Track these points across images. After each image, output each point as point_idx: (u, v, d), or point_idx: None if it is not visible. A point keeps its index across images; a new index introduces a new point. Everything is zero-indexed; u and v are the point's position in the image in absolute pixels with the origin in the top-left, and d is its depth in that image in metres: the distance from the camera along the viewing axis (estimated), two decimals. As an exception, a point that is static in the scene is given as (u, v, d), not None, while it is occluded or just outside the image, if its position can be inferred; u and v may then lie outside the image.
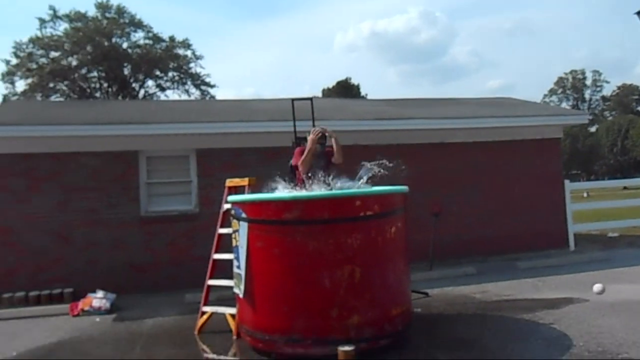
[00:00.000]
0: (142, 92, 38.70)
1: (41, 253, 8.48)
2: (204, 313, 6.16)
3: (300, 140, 6.62)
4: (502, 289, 7.55)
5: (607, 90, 73.46)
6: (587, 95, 73.52)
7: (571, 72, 73.44)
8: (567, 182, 10.93)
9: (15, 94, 34.52)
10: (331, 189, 5.13)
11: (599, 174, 62.45)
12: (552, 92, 73.60)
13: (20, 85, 34.74)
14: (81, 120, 9.25)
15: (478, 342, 5.12)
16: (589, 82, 73.00)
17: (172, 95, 38.96)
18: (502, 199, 10.41)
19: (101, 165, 8.88)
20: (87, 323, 7.01)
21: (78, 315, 7.50)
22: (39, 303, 8.00)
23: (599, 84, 73.06)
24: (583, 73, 72.68)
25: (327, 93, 48.74)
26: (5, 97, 34.33)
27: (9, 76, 34.53)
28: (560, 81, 73.67)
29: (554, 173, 10.84)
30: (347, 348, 4.51)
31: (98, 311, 7.51)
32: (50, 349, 5.80)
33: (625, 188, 34.30)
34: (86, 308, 7.57)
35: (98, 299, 7.68)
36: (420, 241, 8.55)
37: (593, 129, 65.03)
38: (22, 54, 34.25)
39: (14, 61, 34.29)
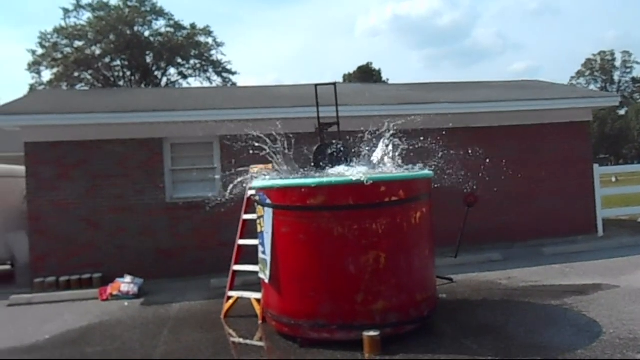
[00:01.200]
0: (164, 80, 39.05)
1: (71, 239, 8.67)
2: (229, 298, 6.24)
3: (324, 127, 6.58)
4: (529, 275, 7.46)
5: (638, 72, 71.17)
6: (616, 77, 71.28)
7: (600, 53, 71.29)
8: (596, 166, 10.67)
9: (41, 84, 35.22)
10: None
11: (628, 157, 60.87)
12: (579, 74, 71.62)
13: (46, 75, 35.47)
14: (107, 109, 9.38)
15: (504, 329, 5.08)
16: (618, 63, 70.78)
17: (194, 82, 39.28)
18: (529, 183, 10.23)
19: (127, 152, 9.01)
20: (116, 307, 7.17)
21: (107, 299, 7.68)
22: (69, 288, 8.22)
23: (628, 65, 70.72)
24: (612, 54, 70.43)
25: (348, 78, 48.43)
26: (32, 87, 35.08)
27: (35, 66, 35.20)
28: (588, 63, 71.59)
29: (582, 157, 10.59)
30: (372, 333, 4.54)
31: (126, 296, 7.67)
32: (81, 333, 5.95)
33: (655, 172, 33.33)
34: (115, 293, 7.74)
35: (126, 283, 7.84)
36: (445, 227, 8.46)
37: (622, 112, 63.25)
38: (47, 44, 34.83)
39: (40, 51, 34.94)
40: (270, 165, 6.30)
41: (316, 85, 6.96)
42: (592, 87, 67.13)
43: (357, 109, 9.15)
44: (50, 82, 34.79)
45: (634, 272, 7.20)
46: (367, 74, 47.98)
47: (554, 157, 10.39)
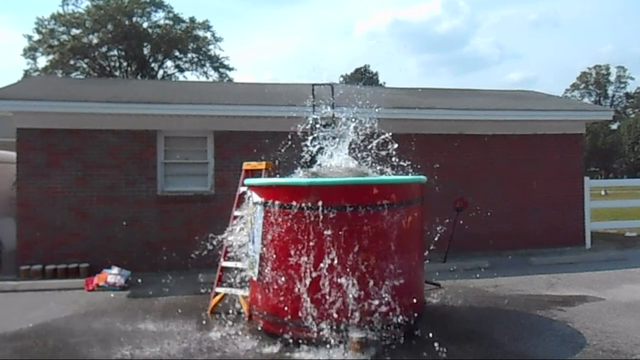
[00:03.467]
0: (160, 72, 38.90)
1: (59, 227, 8.61)
2: (216, 294, 6.22)
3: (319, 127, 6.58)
4: (516, 284, 7.50)
5: (632, 87, 71.76)
6: (610, 92, 71.91)
7: (595, 67, 71.89)
8: (586, 179, 10.76)
9: (36, 70, 34.95)
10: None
11: (618, 172, 61.39)
12: (574, 87, 72.14)
13: (42, 61, 35.21)
14: (101, 98, 9.31)
15: (489, 336, 5.11)
16: (612, 77, 71.41)
17: (191, 76, 39.18)
18: (520, 193, 10.29)
19: (120, 143, 8.95)
20: (102, 298, 7.13)
21: (93, 290, 7.63)
22: (55, 276, 8.15)
23: (623, 80, 71.34)
24: (607, 68, 71.01)
25: (345, 80, 48.47)
26: (26, 72, 34.78)
27: (31, 52, 34.95)
28: (583, 76, 72.16)
29: (574, 169, 10.67)
30: (357, 335, 4.55)
31: (113, 287, 7.63)
32: (65, 322, 5.91)
33: (644, 187, 33.64)
34: (101, 283, 7.69)
35: (113, 275, 7.79)
36: (434, 232, 8.49)
37: (614, 126, 63.78)
38: (44, 30, 34.58)
39: (36, 37, 34.68)
40: (263, 164, 6.30)
41: (313, 85, 6.97)
42: (586, 100, 67.68)
43: (352, 111, 9.13)
44: (45, 68, 34.53)
45: (619, 285, 7.27)
46: (364, 77, 48.07)
47: (546, 168, 10.46)
